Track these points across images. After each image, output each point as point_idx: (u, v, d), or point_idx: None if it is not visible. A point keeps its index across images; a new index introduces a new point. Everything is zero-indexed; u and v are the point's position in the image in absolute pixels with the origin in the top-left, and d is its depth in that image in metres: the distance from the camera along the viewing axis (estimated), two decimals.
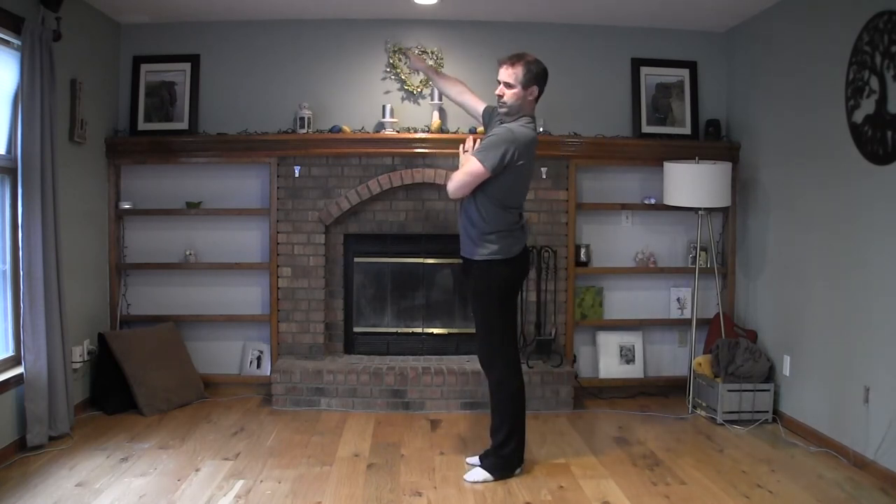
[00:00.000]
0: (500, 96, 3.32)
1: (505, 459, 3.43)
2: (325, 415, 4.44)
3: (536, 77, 3.31)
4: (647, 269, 5.04)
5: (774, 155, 4.49)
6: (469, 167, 3.26)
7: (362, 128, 4.86)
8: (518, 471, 3.49)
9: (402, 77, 4.90)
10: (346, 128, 4.75)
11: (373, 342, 4.98)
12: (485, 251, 3.33)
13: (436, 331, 5.02)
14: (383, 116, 4.77)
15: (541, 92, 3.37)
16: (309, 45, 4.91)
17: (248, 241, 4.95)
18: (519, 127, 3.29)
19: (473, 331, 4.90)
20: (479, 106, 3.66)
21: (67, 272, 3.99)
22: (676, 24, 4.92)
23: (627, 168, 5.02)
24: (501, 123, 3.34)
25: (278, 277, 4.81)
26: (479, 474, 3.42)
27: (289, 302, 4.82)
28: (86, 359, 4.40)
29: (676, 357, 5.12)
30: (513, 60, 3.30)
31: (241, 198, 4.93)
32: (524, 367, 4.59)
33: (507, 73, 3.29)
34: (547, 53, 4.88)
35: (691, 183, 4.48)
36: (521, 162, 3.26)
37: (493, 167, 3.22)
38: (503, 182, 3.29)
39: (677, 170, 4.55)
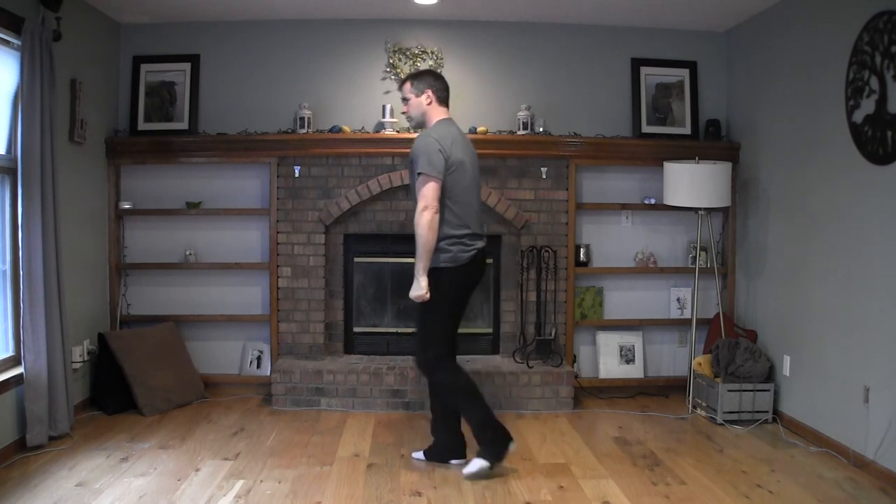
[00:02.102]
0: (406, 113, 3.58)
1: (489, 444, 3.41)
2: (325, 415, 4.44)
3: (424, 82, 3.49)
4: (647, 269, 5.04)
5: (774, 155, 4.49)
6: (422, 190, 3.29)
7: (362, 128, 4.86)
8: (511, 446, 3.43)
9: (403, 77, 4.90)
10: (346, 128, 4.75)
11: (373, 342, 4.97)
12: (434, 259, 3.35)
13: None
14: (383, 116, 4.77)
15: (437, 92, 3.49)
16: (309, 45, 4.91)
17: (248, 241, 4.95)
18: (433, 129, 3.43)
19: (473, 331, 5.00)
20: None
21: (67, 272, 3.99)
22: (676, 24, 4.92)
23: (627, 168, 5.02)
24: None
25: (278, 277, 4.81)
26: (476, 464, 3.41)
27: (289, 302, 4.82)
28: (86, 359, 4.40)
29: (676, 357, 5.12)
30: (404, 80, 3.57)
31: (241, 198, 4.93)
32: (525, 367, 4.63)
33: (404, 91, 3.55)
34: (547, 53, 4.97)
35: (691, 183, 4.48)
36: (453, 157, 3.35)
37: (440, 170, 3.29)
38: (446, 183, 3.35)
39: (677, 170, 4.55)
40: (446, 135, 3.38)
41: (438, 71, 4.57)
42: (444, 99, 3.52)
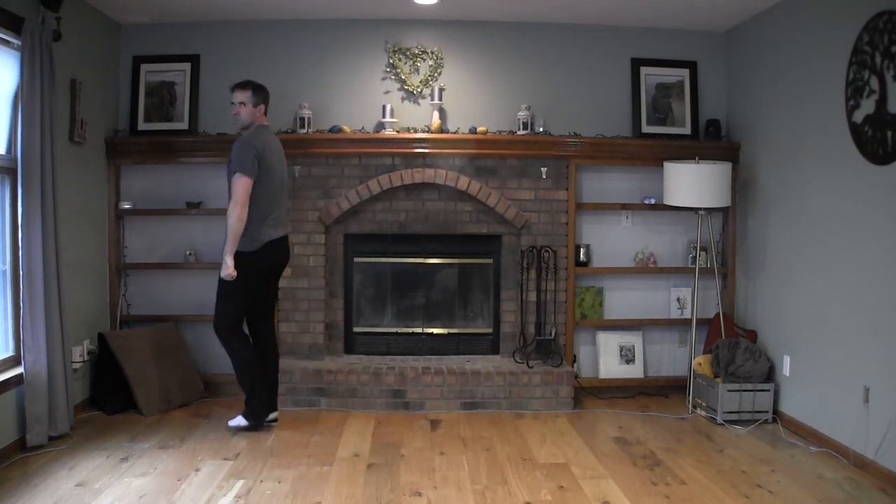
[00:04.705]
0: (237, 114, 3.98)
1: (253, 409, 4.06)
2: (325, 415, 4.44)
3: (261, 96, 3.99)
4: (647, 269, 5.04)
5: (774, 155, 4.49)
6: (236, 187, 3.80)
7: (362, 128, 4.86)
8: (271, 416, 4.11)
9: (402, 77, 4.90)
10: (346, 128, 4.76)
11: (373, 342, 4.97)
12: (240, 244, 3.90)
13: (436, 331, 5.02)
14: (383, 116, 4.77)
15: (266, 107, 4.03)
16: (309, 45, 4.91)
17: None
18: (250, 135, 3.92)
19: (474, 331, 5.01)
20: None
21: (67, 272, 3.99)
22: (676, 24, 4.92)
23: (627, 168, 5.02)
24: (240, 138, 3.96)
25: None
26: (238, 420, 4.06)
27: (289, 302, 4.81)
28: (86, 359, 4.40)
29: (676, 357, 5.12)
30: (243, 86, 3.98)
31: None
32: (525, 367, 4.63)
33: (241, 96, 3.96)
34: (547, 53, 4.97)
35: (691, 183, 4.49)
36: (264, 161, 3.85)
37: (252, 170, 3.80)
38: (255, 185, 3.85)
39: (677, 170, 4.55)
40: (264, 142, 3.91)
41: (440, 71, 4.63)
42: (266, 113, 4.05)
